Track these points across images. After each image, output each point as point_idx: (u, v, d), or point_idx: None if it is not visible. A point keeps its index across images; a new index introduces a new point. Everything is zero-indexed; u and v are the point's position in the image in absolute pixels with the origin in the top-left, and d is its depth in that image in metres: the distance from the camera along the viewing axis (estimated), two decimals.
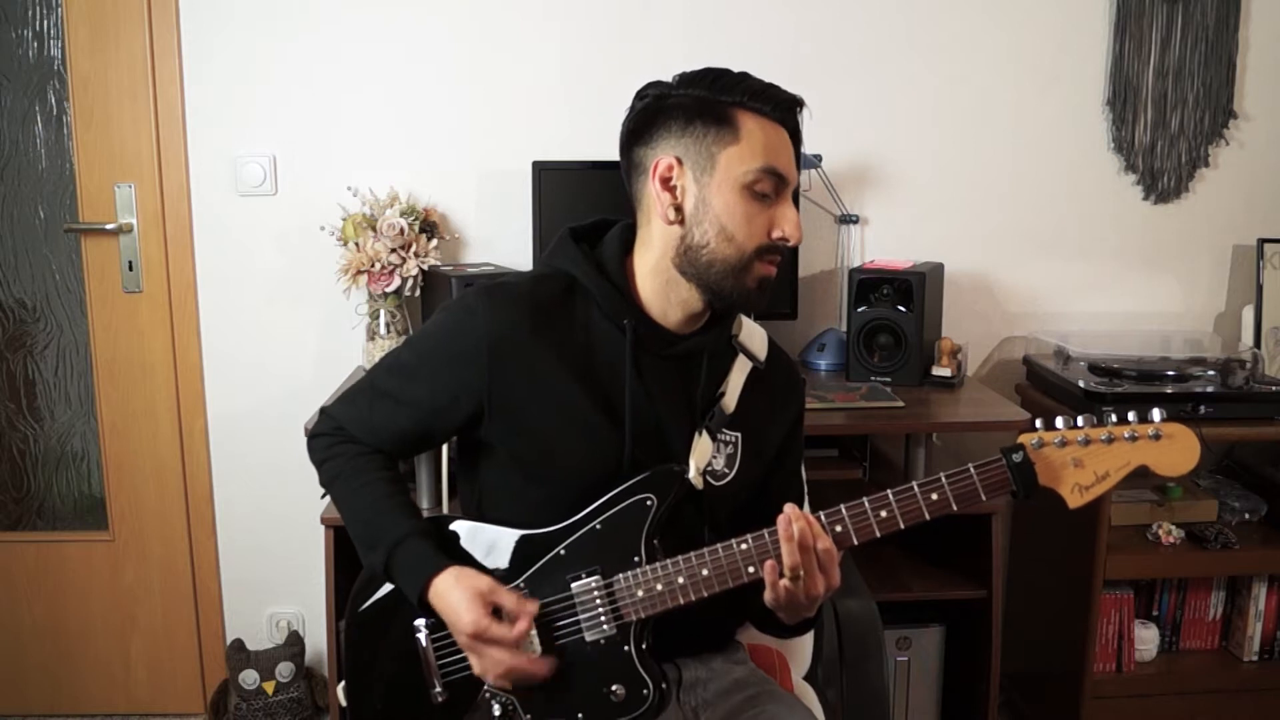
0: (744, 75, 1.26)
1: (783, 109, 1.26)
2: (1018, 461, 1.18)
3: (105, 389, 2.48)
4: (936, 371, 2.29)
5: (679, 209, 1.25)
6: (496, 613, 1.22)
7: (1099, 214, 2.53)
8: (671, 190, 1.25)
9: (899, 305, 2.25)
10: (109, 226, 2.39)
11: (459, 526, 1.33)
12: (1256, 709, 2.30)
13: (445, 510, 2.00)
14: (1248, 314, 2.47)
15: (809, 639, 1.69)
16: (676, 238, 1.26)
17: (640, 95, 1.30)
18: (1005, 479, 1.19)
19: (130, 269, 2.42)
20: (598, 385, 1.28)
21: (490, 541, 1.31)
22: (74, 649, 2.59)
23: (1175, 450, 1.17)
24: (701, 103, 1.24)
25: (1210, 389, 2.17)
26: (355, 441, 1.37)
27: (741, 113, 1.24)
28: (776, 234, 1.26)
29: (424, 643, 1.28)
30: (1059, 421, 1.19)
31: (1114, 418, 1.19)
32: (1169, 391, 2.16)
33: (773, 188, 1.24)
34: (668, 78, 1.29)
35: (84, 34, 2.31)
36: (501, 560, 1.29)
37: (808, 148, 2.31)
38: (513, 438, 1.30)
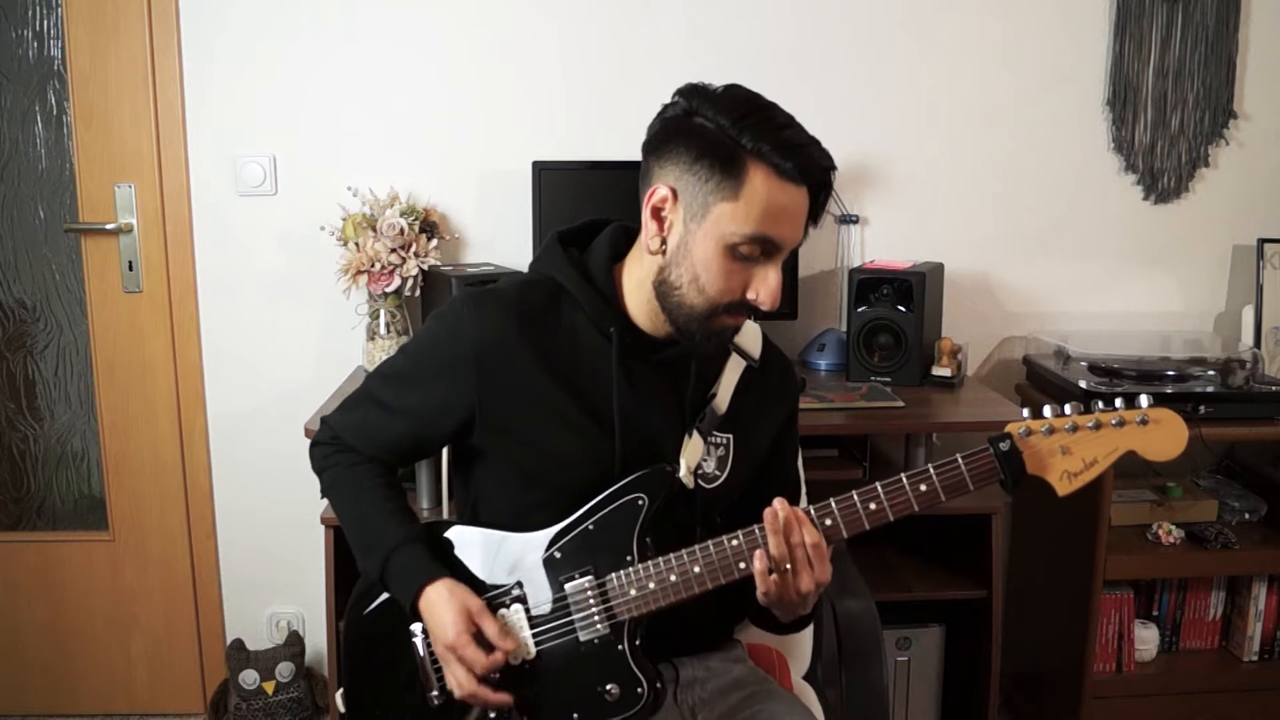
0: (784, 124, 1.17)
1: (804, 173, 1.17)
2: (1005, 450, 1.18)
3: (105, 389, 2.48)
4: (936, 371, 2.29)
5: (664, 241, 1.23)
6: (478, 635, 1.23)
7: (1099, 214, 2.53)
8: (660, 221, 1.22)
9: (899, 305, 2.25)
10: (109, 226, 2.39)
11: (454, 534, 1.33)
12: (1256, 709, 2.29)
13: (445, 513, 2.00)
14: (1248, 314, 2.46)
15: (808, 638, 1.69)
16: (657, 267, 1.24)
17: (675, 96, 1.23)
18: (993, 468, 1.19)
19: (130, 269, 2.42)
20: (586, 391, 1.28)
21: (486, 547, 1.31)
22: (74, 649, 2.59)
23: (1162, 435, 1.17)
24: (718, 138, 1.16)
25: (1210, 389, 2.17)
26: (353, 450, 1.38)
27: (755, 165, 1.16)
28: (751, 295, 1.21)
29: (421, 649, 1.29)
30: (1046, 410, 1.19)
31: (1100, 405, 1.19)
32: (1169, 391, 2.16)
33: (759, 252, 1.19)
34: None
35: (84, 34, 2.31)
36: (500, 574, 1.29)
37: None
38: (503, 444, 1.30)
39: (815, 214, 1.22)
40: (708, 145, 1.17)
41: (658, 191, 1.21)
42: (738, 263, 1.19)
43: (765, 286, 1.21)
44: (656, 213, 1.22)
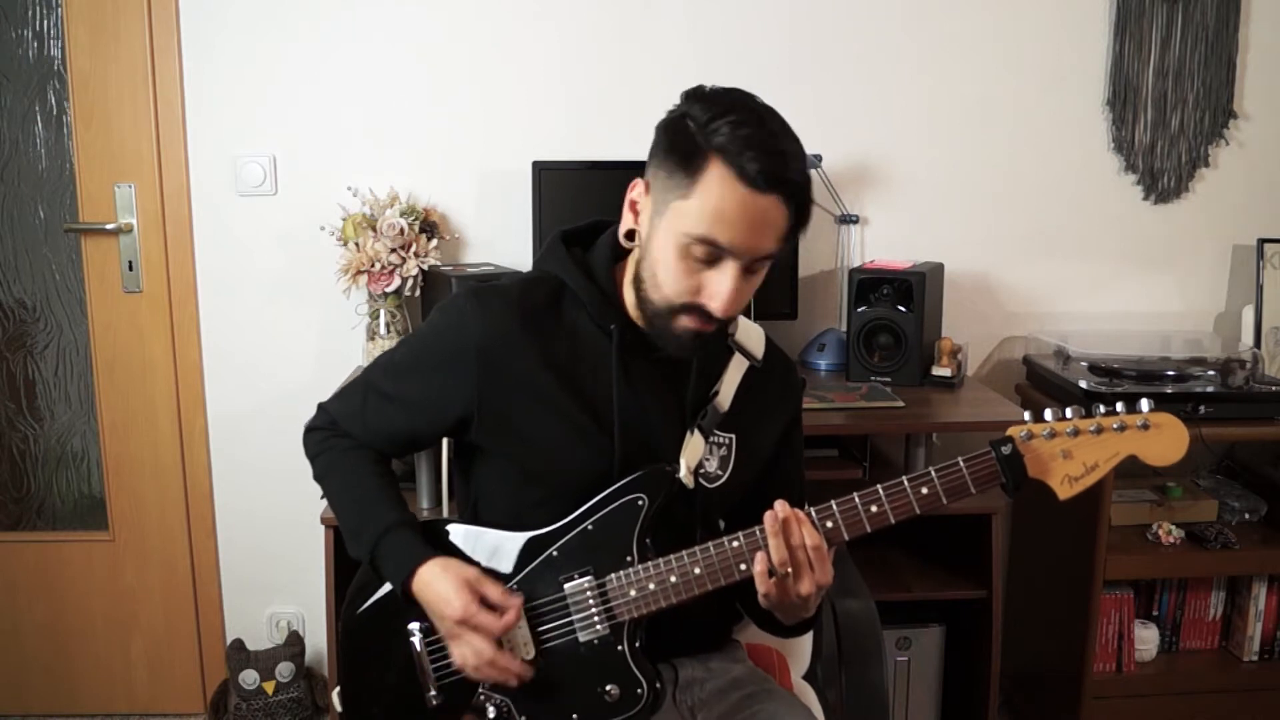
0: (760, 126, 1.13)
1: (764, 176, 1.11)
2: (1006, 454, 1.18)
3: (105, 389, 2.48)
4: (936, 371, 2.29)
5: (638, 234, 1.23)
6: (483, 603, 1.22)
7: (1099, 214, 2.53)
8: (635, 214, 1.24)
9: (899, 305, 2.25)
10: (109, 226, 2.39)
11: (451, 531, 1.33)
12: (1256, 709, 2.29)
13: (445, 511, 2.01)
14: (1248, 314, 2.46)
15: (808, 638, 1.69)
16: (635, 260, 1.25)
17: (680, 98, 1.21)
18: (994, 471, 1.19)
19: (130, 269, 2.42)
20: (586, 389, 1.28)
21: (489, 545, 1.31)
22: (74, 649, 2.59)
23: (1163, 439, 1.17)
24: (689, 133, 1.15)
25: (1210, 389, 2.17)
26: (349, 436, 1.37)
27: (715, 163, 1.12)
28: (703, 300, 1.18)
29: (418, 646, 1.29)
30: (1047, 414, 1.19)
31: (1102, 409, 1.19)
32: (1169, 391, 2.16)
33: (709, 256, 1.16)
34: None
35: (84, 34, 2.31)
36: (504, 564, 1.29)
37: (808, 148, 2.30)
38: (502, 441, 1.30)
39: (795, 228, 1.17)
40: (677, 140, 1.16)
41: (637, 185, 1.23)
42: (690, 263, 1.17)
43: (718, 294, 1.17)
44: (633, 205, 1.24)
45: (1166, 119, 2.48)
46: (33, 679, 2.59)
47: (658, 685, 1.25)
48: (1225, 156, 2.52)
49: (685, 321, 1.21)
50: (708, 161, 1.13)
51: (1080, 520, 2.21)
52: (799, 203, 1.15)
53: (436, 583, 1.23)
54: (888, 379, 2.26)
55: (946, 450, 2.46)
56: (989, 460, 1.19)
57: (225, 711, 2.48)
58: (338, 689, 1.39)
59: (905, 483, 1.20)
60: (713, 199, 1.13)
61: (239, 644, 2.47)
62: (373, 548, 1.28)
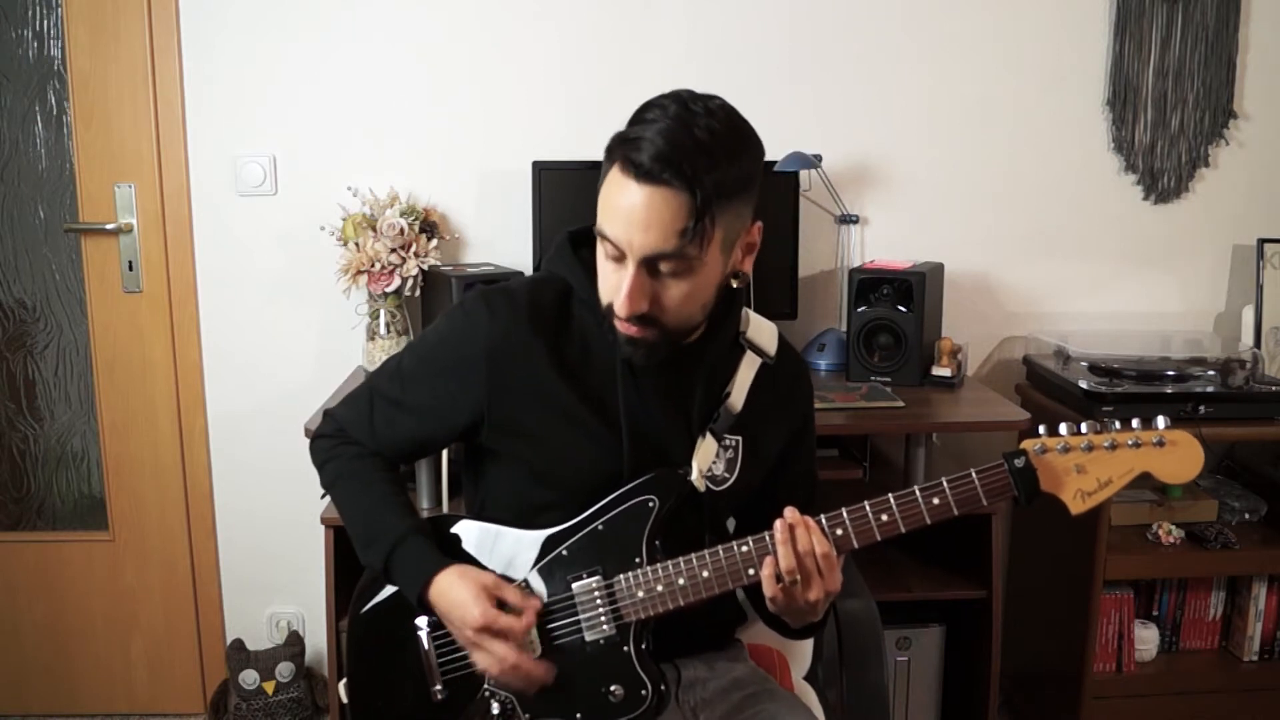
0: (654, 116, 1.13)
1: (628, 162, 1.11)
2: (1020, 467, 1.18)
3: (105, 389, 2.48)
4: (936, 371, 2.29)
5: None
6: (501, 607, 1.22)
7: (1099, 214, 2.53)
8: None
9: (899, 305, 2.25)
10: (109, 226, 2.39)
11: (460, 529, 1.33)
12: (1256, 709, 2.30)
13: (445, 510, 2.00)
14: (1248, 314, 2.47)
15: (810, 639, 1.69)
16: None
17: None
18: (1007, 484, 1.19)
19: (130, 269, 2.42)
20: (595, 391, 1.28)
21: (499, 542, 1.31)
22: (74, 649, 2.59)
23: (1178, 457, 1.17)
24: (615, 136, 1.16)
25: (1210, 389, 2.17)
26: (357, 444, 1.37)
27: (614, 155, 1.14)
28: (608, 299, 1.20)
29: (425, 643, 1.29)
30: (1062, 428, 1.18)
31: (1117, 424, 1.18)
32: (1169, 391, 2.16)
33: (615, 253, 1.16)
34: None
35: (84, 34, 2.31)
36: (515, 561, 1.29)
37: (808, 148, 2.32)
38: (512, 444, 1.30)
39: (698, 226, 1.12)
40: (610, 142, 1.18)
41: None
42: (608, 262, 1.19)
43: (617, 289, 1.17)
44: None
45: (1166, 119, 2.48)
46: (33, 679, 2.59)
47: (662, 687, 1.25)
48: (1225, 156, 2.52)
49: (620, 325, 1.21)
50: (612, 156, 1.15)
51: (1080, 520, 2.17)
52: (700, 198, 1.11)
53: (453, 591, 1.23)
54: (888, 379, 2.26)
55: (947, 450, 2.46)
56: (1001, 472, 1.19)
57: (225, 711, 2.48)
58: (343, 681, 1.40)
59: (917, 493, 1.20)
60: (606, 191, 1.16)
61: (239, 644, 2.47)
62: (386, 557, 1.28)
